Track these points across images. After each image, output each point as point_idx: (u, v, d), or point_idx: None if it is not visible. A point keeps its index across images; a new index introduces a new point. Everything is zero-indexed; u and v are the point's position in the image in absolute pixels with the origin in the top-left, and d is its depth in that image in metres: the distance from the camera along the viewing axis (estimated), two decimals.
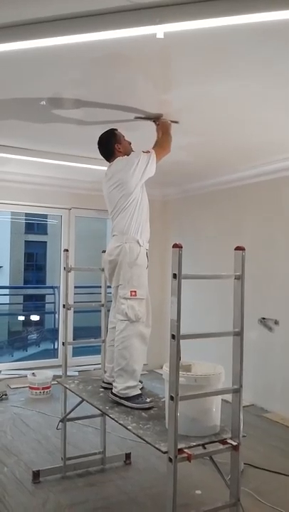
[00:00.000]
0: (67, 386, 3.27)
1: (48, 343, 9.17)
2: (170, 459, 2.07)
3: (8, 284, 14.93)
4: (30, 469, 3.30)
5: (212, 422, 2.35)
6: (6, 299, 11.70)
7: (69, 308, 3.50)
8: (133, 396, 2.81)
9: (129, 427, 2.48)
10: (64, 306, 3.47)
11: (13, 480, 3.23)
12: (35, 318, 10.55)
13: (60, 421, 3.42)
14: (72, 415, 3.40)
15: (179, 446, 2.09)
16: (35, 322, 10.62)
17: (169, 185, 6.10)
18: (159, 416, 2.62)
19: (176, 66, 2.61)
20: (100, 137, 3.19)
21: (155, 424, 2.51)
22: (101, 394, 3.06)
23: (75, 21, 2.08)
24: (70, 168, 4.94)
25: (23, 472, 3.34)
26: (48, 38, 2.18)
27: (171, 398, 2.09)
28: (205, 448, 2.29)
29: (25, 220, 15.71)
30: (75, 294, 5.90)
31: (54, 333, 7.53)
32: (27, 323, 10.99)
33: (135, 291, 2.91)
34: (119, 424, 2.56)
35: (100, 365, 3.55)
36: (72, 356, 6.05)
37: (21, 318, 11.33)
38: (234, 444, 2.26)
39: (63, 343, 3.35)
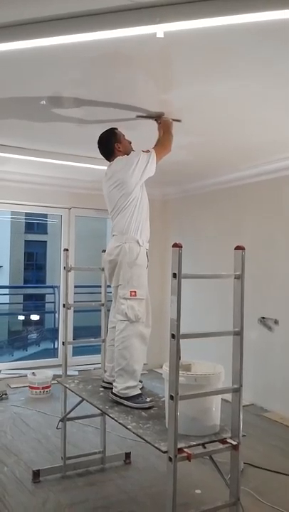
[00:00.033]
0: (67, 385, 3.27)
1: (48, 342, 9.17)
2: (170, 459, 2.07)
3: (8, 284, 14.96)
4: (30, 469, 3.30)
5: (212, 421, 2.36)
6: (6, 299, 11.73)
7: (69, 308, 3.51)
8: (133, 396, 2.81)
9: (129, 427, 2.48)
10: (64, 305, 3.47)
11: (13, 479, 3.24)
12: (35, 317, 10.55)
13: (60, 420, 3.42)
14: (72, 415, 3.40)
15: (179, 446, 2.09)
16: (35, 322, 10.63)
17: (169, 184, 6.09)
18: (159, 415, 2.62)
19: (176, 66, 2.61)
20: (99, 136, 3.19)
21: (155, 423, 2.51)
22: (101, 393, 3.06)
23: (75, 21, 2.07)
24: (70, 167, 4.93)
25: (23, 472, 3.34)
26: (47, 38, 2.18)
27: (171, 398, 2.09)
28: (205, 447, 2.29)
29: (25, 219, 15.72)
30: (75, 293, 5.91)
31: (54, 332, 7.53)
32: (27, 322, 11.00)
33: (135, 292, 2.90)
34: (119, 423, 2.57)
35: (99, 365, 3.56)
36: (72, 356, 6.04)
37: (21, 317, 11.34)
38: (234, 443, 2.26)
39: (63, 342, 3.35)
